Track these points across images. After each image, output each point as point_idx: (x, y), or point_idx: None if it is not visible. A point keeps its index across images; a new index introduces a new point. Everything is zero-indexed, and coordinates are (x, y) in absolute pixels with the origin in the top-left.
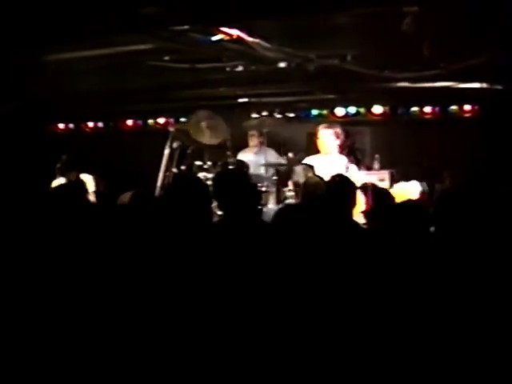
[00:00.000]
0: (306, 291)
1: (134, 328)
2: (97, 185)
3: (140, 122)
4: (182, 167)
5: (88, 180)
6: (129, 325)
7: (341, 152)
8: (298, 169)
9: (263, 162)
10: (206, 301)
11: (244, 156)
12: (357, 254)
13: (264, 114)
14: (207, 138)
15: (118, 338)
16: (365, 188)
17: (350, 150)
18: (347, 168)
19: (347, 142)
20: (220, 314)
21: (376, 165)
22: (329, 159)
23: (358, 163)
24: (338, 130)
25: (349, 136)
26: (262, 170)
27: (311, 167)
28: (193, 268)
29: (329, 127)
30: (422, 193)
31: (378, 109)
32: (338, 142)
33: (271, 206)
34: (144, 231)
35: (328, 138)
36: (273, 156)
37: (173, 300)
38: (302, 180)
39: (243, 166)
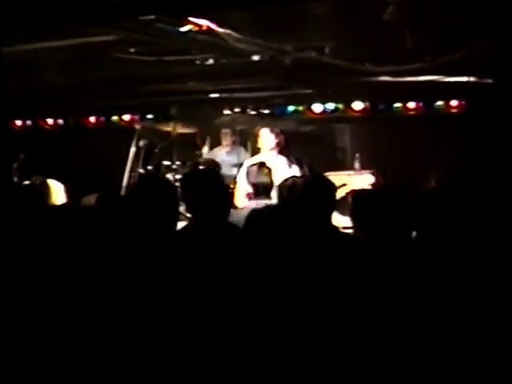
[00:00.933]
0: (282, 304)
1: (88, 334)
2: (68, 193)
3: (103, 119)
4: (149, 167)
5: (57, 188)
6: (84, 330)
7: (279, 152)
8: (253, 169)
9: (236, 161)
10: (166, 308)
11: (215, 155)
12: (339, 265)
13: (236, 110)
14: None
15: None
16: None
17: (287, 151)
18: (290, 167)
19: (285, 142)
20: (178, 325)
21: (357, 164)
22: (269, 158)
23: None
24: (278, 130)
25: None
26: (234, 171)
27: (266, 166)
28: (156, 275)
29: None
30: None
31: (358, 105)
32: (277, 140)
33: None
34: (109, 235)
35: (267, 137)
36: (246, 156)
37: (134, 306)
38: (258, 180)
39: (214, 165)
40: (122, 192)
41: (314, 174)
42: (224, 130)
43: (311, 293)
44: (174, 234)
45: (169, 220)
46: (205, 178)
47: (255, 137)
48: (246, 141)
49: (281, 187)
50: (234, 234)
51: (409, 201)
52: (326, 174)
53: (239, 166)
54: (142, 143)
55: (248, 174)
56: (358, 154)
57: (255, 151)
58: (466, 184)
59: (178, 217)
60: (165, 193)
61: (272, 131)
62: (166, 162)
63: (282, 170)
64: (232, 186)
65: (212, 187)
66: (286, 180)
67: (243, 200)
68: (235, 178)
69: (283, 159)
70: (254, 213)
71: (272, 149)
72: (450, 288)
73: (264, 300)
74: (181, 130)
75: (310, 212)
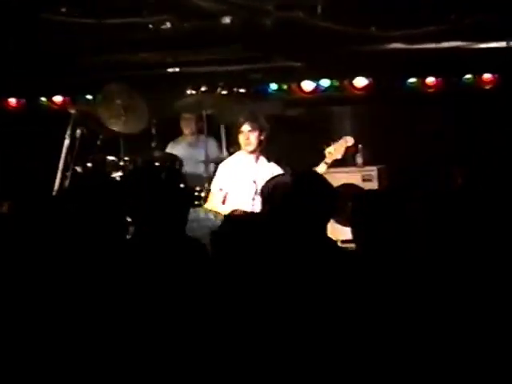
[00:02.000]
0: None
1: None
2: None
3: (26, 101)
4: (88, 164)
5: None
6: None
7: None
8: None
9: (202, 156)
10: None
11: (175, 149)
12: (334, 297)
13: (203, 89)
14: (123, 125)
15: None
16: None
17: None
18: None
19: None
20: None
21: (359, 159)
22: (249, 165)
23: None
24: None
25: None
26: (201, 168)
27: None
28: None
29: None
30: None
31: (360, 81)
32: (261, 138)
33: (212, 217)
34: (28, 250)
35: (253, 134)
36: (215, 148)
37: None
38: None
39: (174, 161)
40: (52, 196)
41: (302, 171)
42: (186, 116)
43: (294, 335)
44: (113, 252)
45: (112, 233)
46: (155, 178)
47: (236, 129)
48: (217, 129)
49: (263, 191)
50: (193, 255)
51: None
52: (314, 168)
53: (208, 162)
54: (78, 133)
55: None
56: (360, 146)
57: (230, 143)
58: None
59: (126, 229)
60: (108, 197)
61: (254, 128)
62: (111, 158)
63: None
64: (198, 188)
65: (164, 190)
66: (268, 181)
67: (219, 205)
68: (208, 177)
69: (264, 162)
70: (225, 224)
71: (252, 151)
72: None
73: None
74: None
75: (297, 222)
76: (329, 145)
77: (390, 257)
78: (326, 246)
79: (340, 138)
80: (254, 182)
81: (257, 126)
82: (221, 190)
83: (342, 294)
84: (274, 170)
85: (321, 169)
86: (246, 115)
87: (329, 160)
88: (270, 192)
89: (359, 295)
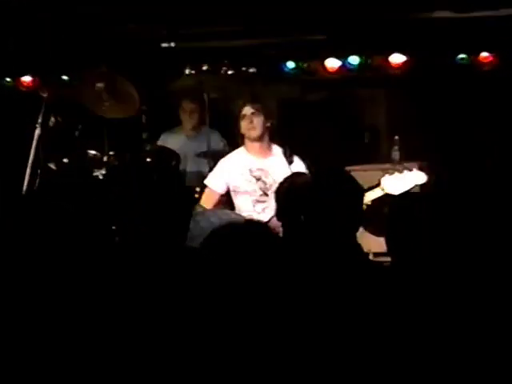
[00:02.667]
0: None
1: None
2: None
3: None
4: (64, 160)
5: None
6: None
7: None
8: None
9: (204, 150)
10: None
11: (170, 141)
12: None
13: (205, 68)
14: (107, 110)
15: None
16: None
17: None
18: (290, 161)
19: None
20: None
21: (395, 153)
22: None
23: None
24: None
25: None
26: (202, 165)
27: None
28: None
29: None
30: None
31: (398, 58)
32: (267, 124)
33: (214, 220)
34: None
35: (257, 117)
36: (219, 142)
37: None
38: None
39: (169, 157)
40: (19, 199)
41: (325, 168)
42: (188, 106)
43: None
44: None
45: (91, 246)
46: (146, 177)
47: (237, 115)
48: (222, 117)
49: (277, 193)
50: (192, 267)
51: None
52: (347, 168)
53: (211, 158)
54: (51, 121)
55: None
56: (397, 137)
57: (236, 137)
58: None
59: (110, 239)
60: (89, 200)
61: (258, 110)
62: (93, 152)
63: (281, 170)
64: (198, 189)
65: (158, 193)
66: (283, 182)
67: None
68: (205, 176)
69: (278, 151)
70: (227, 231)
71: (258, 139)
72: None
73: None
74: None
75: (318, 230)
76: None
77: (434, 276)
78: (354, 260)
79: (408, 169)
80: (259, 179)
81: (261, 107)
82: (216, 189)
83: (371, 320)
84: (295, 166)
85: (373, 195)
86: (246, 97)
87: (381, 191)
88: (283, 196)
89: (392, 323)
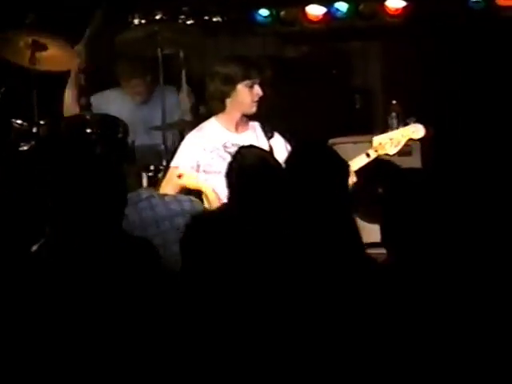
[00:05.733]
0: None
1: None
2: None
3: None
4: None
5: None
6: None
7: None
8: None
9: (157, 119)
10: None
11: (116, 106)
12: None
13: (158, 17)
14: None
15: None
16: None
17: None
18: (269, 136)
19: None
20: None
21: (393, 121)
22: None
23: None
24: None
25: None
26: (156, 137)
27: None
28: None
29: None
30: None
31: (395, 2)
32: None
33: (175, 207)
34: None
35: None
36: (176, 106)
37: None
38: None
39: (115, 126)
40: None
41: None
42: (131, 61)
43: None
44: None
45: (17, 234)
46: (86, 151)
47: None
48: (178, 77)
49: (228, 176)
50: (136, 262)
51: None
52: (334, 140)
53: (167, 127)
54: None
55: None
56: (394, 102)
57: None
58: None
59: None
60: (14, 179)
61: (254, 84)
62: (18, 121)
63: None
64: (152, 167)
65: (101, 170)
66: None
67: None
68: (168, 150)
69: (255, 124)
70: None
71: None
72: None
73: None
74: (48, 57)
75: (298, 217)
76: (385, 130)
77: (435, 272)
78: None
79: (403, 122)
80: None
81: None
82: (185, 168)
83: (367, 314)
84: (274, 142)
85: (358, 162)
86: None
87: (374, 153)
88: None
89: (390, 320)
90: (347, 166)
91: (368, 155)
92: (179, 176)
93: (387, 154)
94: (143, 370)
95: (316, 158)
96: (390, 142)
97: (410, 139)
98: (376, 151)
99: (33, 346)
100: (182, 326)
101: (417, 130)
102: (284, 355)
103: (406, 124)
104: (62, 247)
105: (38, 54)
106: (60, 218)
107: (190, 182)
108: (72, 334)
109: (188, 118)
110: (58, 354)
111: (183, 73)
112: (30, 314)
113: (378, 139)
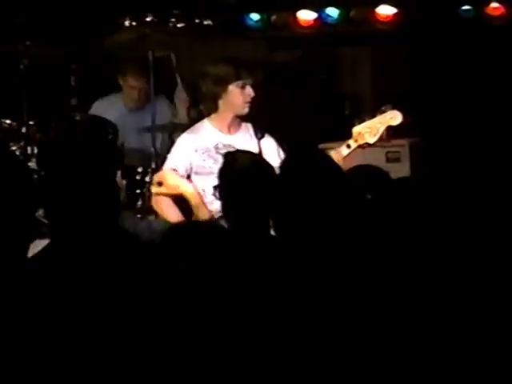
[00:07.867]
0: None
1: None
2: None
3: None
4: None
5: None
6: None
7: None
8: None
9: (147, 122)
10: None
11: (107, 111)
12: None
13: (149, 19)
14: None
15: None
16: None
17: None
18: (260, 137)
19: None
20: None
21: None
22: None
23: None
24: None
25: None
26: (146, 140)
27: None
28: None
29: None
30: None
31: (386, 9)
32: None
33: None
34: None
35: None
36: (167, 112)
37: None
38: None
39: (105, 128)
40: None
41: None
42: (132, 76)
43: None
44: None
45: (13, 237)
46: (77, 153)
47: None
48: (170, 83)
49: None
50: (135, 261)
51: None
52: (323, 145)
53: (156, 130)
54: None
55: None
56: (384, 108)
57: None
58: None
59: (33, 230)
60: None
61: (246, 85)
62: (7, 121)
63: (250, 148)
64: (140, 170)
65: (91, 172)
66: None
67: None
68: (157, 153)
69: (246, 126)
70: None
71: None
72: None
73: None
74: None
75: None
76: (363, 121)
77: (428, 275)
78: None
79: (379, 110)
80: None
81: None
82: (179, 170)
83: (365, 312)
84: (265, 143)
85: (339, 153)
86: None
87: (354, 143)
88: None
89: (388, 318)
90: (341, 172)
91: (349, 146)
92: (159, 184)
93: (367, 143)
94: (143, 370)
95: (311, 162)
96: (369, 131)
97: (389, 126)
98: (356, 141)
99: (33, 346)
100: (181, 326)
101: (394, 117)
102: (284, 355)
103: (382, 112)
104: (60, 247)
105: None
106: (52, 216)
107: (170, 189)
108: (72, 333)
109: (184, 121)
110: (58, 354)
111: (177, 76)
112: (30, 314)
113: (356, 129)
